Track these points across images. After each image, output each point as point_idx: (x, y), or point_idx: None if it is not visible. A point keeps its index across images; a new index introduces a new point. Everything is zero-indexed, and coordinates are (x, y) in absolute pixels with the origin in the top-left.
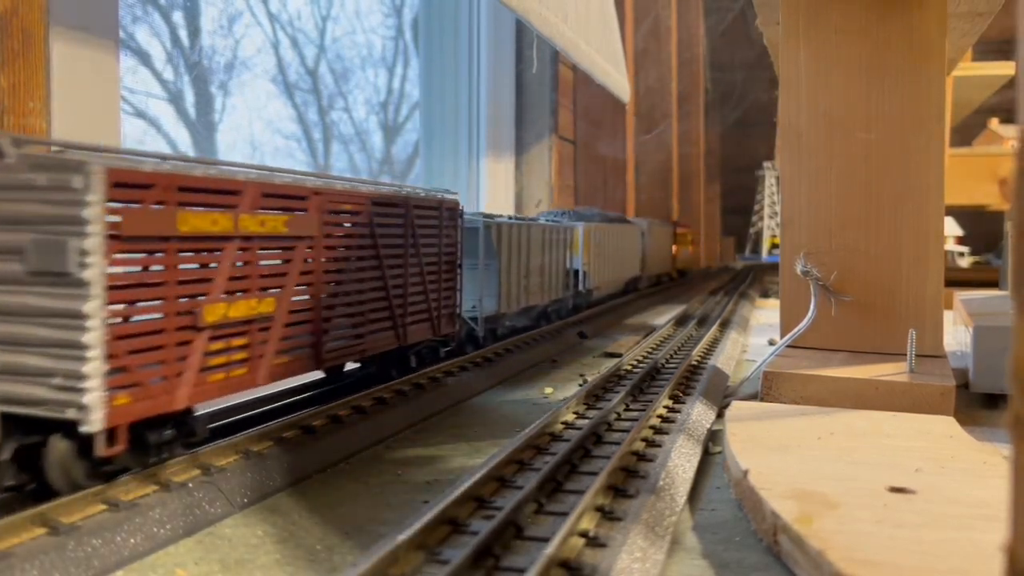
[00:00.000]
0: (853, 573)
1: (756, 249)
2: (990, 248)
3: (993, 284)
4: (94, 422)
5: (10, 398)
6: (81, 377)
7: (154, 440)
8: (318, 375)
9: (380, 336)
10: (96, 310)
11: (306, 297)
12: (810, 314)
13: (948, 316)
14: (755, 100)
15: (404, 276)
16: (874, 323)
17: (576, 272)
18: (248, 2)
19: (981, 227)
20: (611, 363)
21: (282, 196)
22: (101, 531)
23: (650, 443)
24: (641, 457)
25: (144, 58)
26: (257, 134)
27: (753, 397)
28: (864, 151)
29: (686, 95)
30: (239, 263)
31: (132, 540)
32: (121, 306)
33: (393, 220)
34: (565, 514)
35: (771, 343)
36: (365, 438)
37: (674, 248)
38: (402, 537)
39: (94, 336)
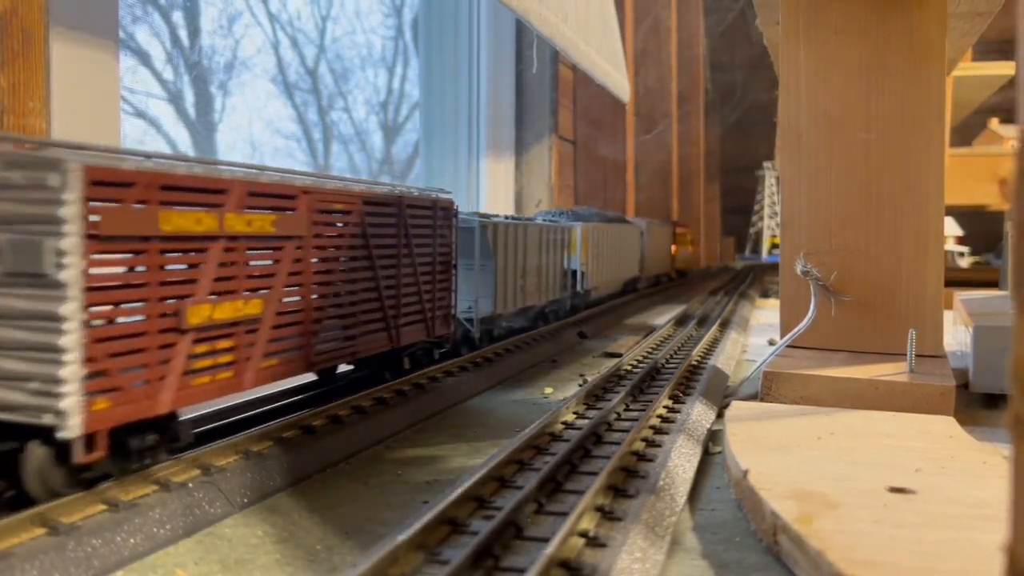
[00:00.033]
0: (853, 573)
1: (756, 249)
2: (990, 248)
3: (993, 284)
4: (71, 428)
5: None
6: (58, 381)
7: (136, 446)
8: (311, 378)
9: (372, 338)
10: (73, 312)
11: (295, 298)
12: (810, 314)
13: (948, 316)
14: (755, 100)
15: (397, 277)
16: (874, 323)
17: (574, 272)
18: (248, 2)
19: (981, 227)
20: (611, 363)
21: (270, 195)
22: (101, 531)
23: (650, 443)
24: (641, 457)
25: (144, 58)
26: (257, 134)
27: (753, 397)
28: (864, 151)
29: (686, 95)
30: (225, 264)
31: (132, 540)
32: (100, 308)
33: (386, 220)
34: (565, 514)
35: (771, 343)
36: (365, 438)
37: (673, 248)
38: (402, 537)
39: (71, 339)
